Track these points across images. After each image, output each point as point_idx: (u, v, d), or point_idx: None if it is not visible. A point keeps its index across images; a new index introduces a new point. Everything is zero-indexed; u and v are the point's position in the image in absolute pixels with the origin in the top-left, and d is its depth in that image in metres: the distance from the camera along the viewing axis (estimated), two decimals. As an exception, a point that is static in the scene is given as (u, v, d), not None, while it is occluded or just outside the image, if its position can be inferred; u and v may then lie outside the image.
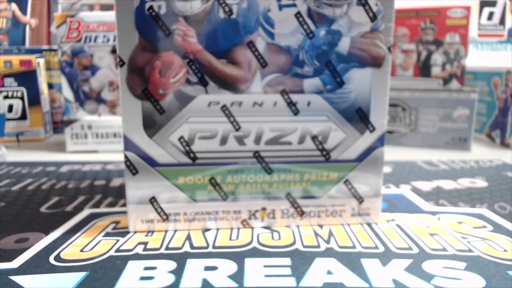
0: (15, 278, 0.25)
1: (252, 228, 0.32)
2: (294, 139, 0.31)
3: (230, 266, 0.26)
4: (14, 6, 0.86)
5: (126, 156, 0.30)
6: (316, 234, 0.31)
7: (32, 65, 0.66)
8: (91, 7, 0.86)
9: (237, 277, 0.25)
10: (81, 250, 0.28)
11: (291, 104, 0.30)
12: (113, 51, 0.59)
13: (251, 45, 0.29)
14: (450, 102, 0.60)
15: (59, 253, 0.28)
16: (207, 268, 0.26)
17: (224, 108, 0.30)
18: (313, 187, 0.32)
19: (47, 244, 0.29)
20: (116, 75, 0.60)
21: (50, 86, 0.72)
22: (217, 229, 0.32)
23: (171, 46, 0.28)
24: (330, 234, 0.31)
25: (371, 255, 0.28)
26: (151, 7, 0.28)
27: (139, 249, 0.28)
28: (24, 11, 0.86)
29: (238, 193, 0.31)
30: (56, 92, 0.73)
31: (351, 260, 0.27)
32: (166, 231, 0.31)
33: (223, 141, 0.30)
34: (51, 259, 0.27)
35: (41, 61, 0.68)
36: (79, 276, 0.25)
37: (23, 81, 0.65)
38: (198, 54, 0.29)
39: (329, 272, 0.26)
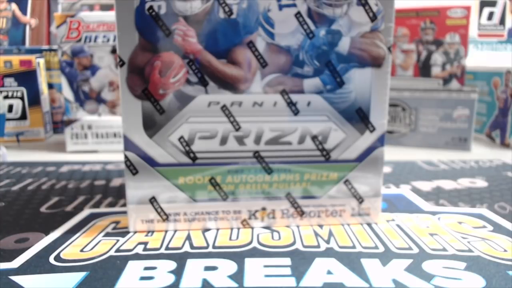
0: (15, 278, 0.25)
1: (252, 228, 0.32)
2: (294, 139, 0.31)
3: (230, 266, 0.26)
4: (14, 6, 0.86)
5: (126, 156, 0.30)
6: (316, 234, 0.31)
7: (32, 65, 0.66)
8: (91, 7, 0.86)
9: (237, 277, 0.25)
10: (81, 250, 0.28)
11: (291, 104, 0.30)
12: (113, 51, 0.59)
13: (251, 45, 0.29)
14: (450, 102, 0.60)
15: (59, 253, 0.28)
16: (207, 268, 0.26)
17: (224, 108, 0.30)
18: (313, 187, 0.32)
19: (47, 244, 0.29)
20: (116, 75, 0.60)
21: (50, 86, 0.72)
22: (217, 229, 0.32)
23: (171, 46, 0.28)
24: (330, 234, 0.31)
25: (371, 255, 0.28)
26: (151, 7, 0.28)
27: (139, 249, 0.28)
28: (24, 11, 0.86)
29: (238, 193, 0.31)
30: (56, 92, 0.73)
31: (351, 260, 0.27)
32: (166, 231, 0.31)
33: (223, 141, 0.30)
34: (51, 259, 0.27)
35: (41, 61, 0.68)
36: (79, 276, 0.25)
37: (23, 81, 0.65)
38: (198, 54, 0.29)
39: (329, 272, 0.26)
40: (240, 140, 0.30)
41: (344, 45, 0.29)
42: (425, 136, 0.62)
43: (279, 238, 0.30)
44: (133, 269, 0.26)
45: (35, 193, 0.41)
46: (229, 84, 0.29)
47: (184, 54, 0.29)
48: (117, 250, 0.28)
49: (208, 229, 0.32)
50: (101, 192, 0.41)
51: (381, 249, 0.29)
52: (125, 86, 0.29)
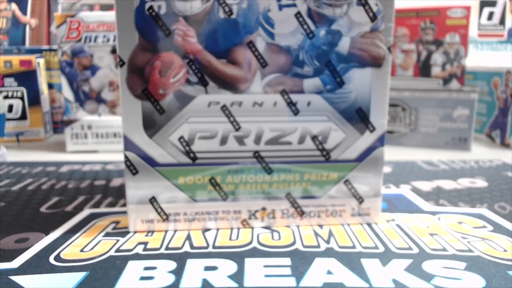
0: (15, 278, 0.25)
1: (252, 228, 0.32)
2: (294, 139, 0.31)
3: (230, 266, 0.26)
4: (14, 6, 0.86)
5: (126, 156, 0.30)
6: (316, 234, 0.31)
7: (32, 65, 0.66)
8: (91, 7, 0.86)
9: (237, 277, 0.25)
10: (81, 250, 0.28)
11: (291, 104, 0.30)
12: (113, 51, 0.59)
13: (251, 45, 0.29)
14: (450, 102, 0.60)
15: (59, 253, 0.28)
16: (207, 268, 0.26)
17: (224, 108, 0.30)
18: (313, 187, 0.32)
19: (47, 244, 0.29)
20: (116, 75, 0.60)
21: (50, 86, 0.72)
22: (217, 229, 0.32)
23: (171, 46, 0.28)
24: (330, 234, 0.31)
25: (371, 255, 0.28)
26: (151, 7, 0.28)
27: (139, 249, 0.28)
28: (24, 11, 0.86)
29: (238, 193, 0.31)
30: (56, 92, 0.73)
31: (351, 260, 0.27)
32: (166, 231, 0.31)
33: (223, 141, 0.30)
34: (51, 259, 0.27)
35: (41, 61, 0.68)
36: (79, 276, 0.25)
37: (23, 81, 0.65)
38: (198, 54, 0.29)
39: (329, 272, 0.26)
40: (240, 140, 0.30)
41: (344, 45, 0.29)
42: (425, 136, 0.62)
43: (279, 238, 0.30)
44: (133, 269, 0.26)
45: (35, 193, 0.41)
46: (229, 84, 0.29)
47: (184, 54, 0.29)
48: (117, 250, 0.28)
49: (208, 229, 0.32)
50: (101, 192, 0.41)
51: (381, 249, 0.29)
52: (125, 86, 0.29)
